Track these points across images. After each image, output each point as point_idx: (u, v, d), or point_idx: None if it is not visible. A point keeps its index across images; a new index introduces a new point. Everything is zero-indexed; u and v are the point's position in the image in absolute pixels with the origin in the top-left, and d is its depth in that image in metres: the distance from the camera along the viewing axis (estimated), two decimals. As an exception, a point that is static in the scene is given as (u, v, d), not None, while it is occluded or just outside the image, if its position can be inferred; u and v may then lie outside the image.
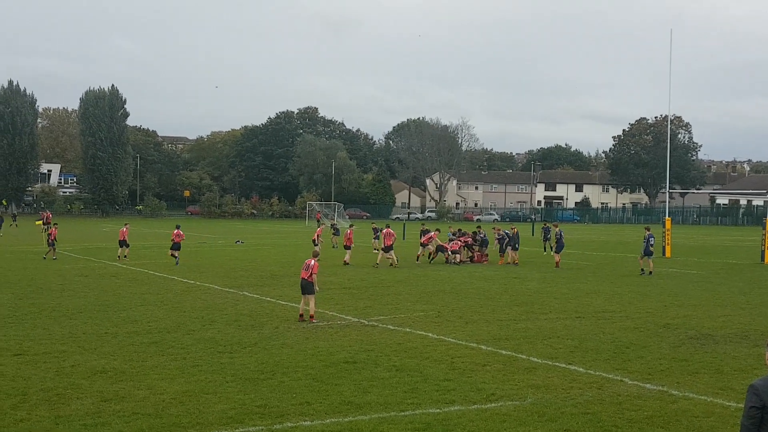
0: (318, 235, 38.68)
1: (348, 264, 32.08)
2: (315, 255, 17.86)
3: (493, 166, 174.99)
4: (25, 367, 12.23)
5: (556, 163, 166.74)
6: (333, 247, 42.95)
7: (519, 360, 13.27)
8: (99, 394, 10.60)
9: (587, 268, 32.73)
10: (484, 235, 35.89)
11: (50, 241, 34.28)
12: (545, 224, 37.35)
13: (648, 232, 30.52)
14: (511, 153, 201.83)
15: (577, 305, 20.49)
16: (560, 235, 33.34)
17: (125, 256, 33.78)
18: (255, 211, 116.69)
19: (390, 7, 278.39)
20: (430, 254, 34.83)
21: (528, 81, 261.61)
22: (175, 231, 32.39)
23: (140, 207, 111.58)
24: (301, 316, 17.35)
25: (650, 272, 29.34)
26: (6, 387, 10.93)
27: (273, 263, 33.01)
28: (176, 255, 31.51)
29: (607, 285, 25.73)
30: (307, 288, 17.13)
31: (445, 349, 14.11)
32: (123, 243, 33.74)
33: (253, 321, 17.18)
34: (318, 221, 74.34)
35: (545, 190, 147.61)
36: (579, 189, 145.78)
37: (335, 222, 68.31)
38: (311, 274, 17.12)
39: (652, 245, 29.95)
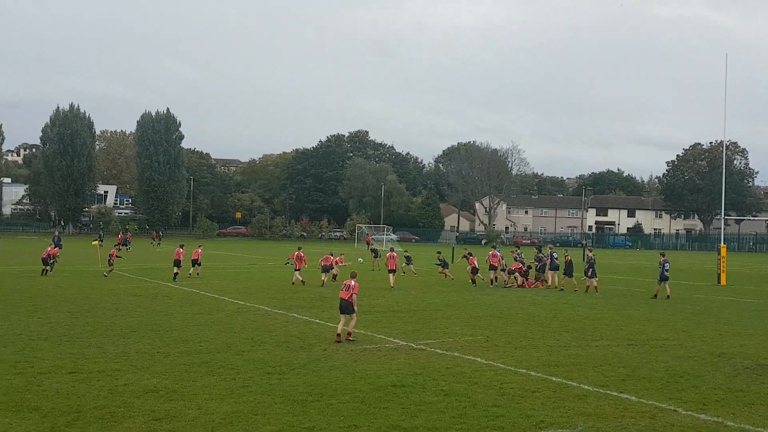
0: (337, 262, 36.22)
1: (393, 287, 32.11)
2: (353, 276, 18.19)
3: (543, 191, 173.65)
4: (79, 384, 12.47)
5: (607, 188, 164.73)
6: (372, 270, 42.79)
7: (569, 387, 13.09)
8: (150, 413, 10.75)
9: (639, 294, 32.19)
10: (549, 258, 34.99)
11: (110, 259, 36.16)
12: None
13: (663, 258, 30.77)
14: (562, 177, 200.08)
15: (629, 332, 20.15)
16: (592, 260, 32.89)
17: (197, 274, 35.98)
18: (305, 233, 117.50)
19: (439, 32, 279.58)
20: (495, 278, 34.66)
21: (579, 105, 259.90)
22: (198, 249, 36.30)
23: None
24: (339, 335, 17.59)
25: (667, 296, 29.69)
26: (61, 404, 11.15)
27: (322, 287, 33.13)
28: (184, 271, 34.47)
29: (659, 312, 25.26)
30: (347, 308, 17.49)
31: (494, 375, 14.00)
32: (177, 263, 34.45)
33: (302, 342, 17.27)
34: (368, 244, 74.47)
35: (596, 215, 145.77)
36: (631, 214, 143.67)
37: (373, 245, 68.31)
38: (352, 294, 17.51)
39: (667, 270, 30.34)
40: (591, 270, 32.44)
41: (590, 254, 34.06)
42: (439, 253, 40.03)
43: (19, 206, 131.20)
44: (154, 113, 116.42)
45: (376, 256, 45.38)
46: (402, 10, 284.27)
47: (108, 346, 16.27)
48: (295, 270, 33.71)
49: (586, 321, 22.44)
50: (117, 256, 37.29)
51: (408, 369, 14.37)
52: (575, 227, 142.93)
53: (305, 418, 10.70)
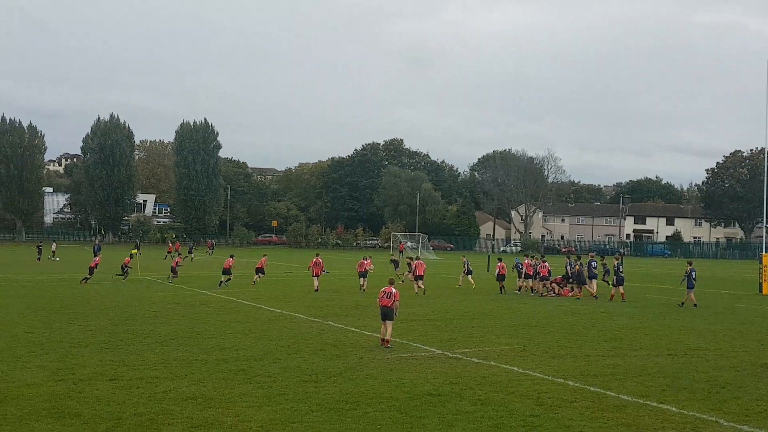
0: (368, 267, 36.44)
1: (418, 294, 32.79)
2: (392, 282, 18.75)
3: (580, 199, 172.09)
4: (119, 391, 12.63)
5: (645, 195, 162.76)
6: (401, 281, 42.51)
7: (608, 397, 12.95)
8: (189, 420, 10.85)
9: (678, 304, 31.71)
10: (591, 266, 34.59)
11: (173, 267, 38.85)
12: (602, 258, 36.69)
13: (690, 266, 30.91)
14: (599, 185, 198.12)
15: (669, 342, 19.88)
16: (617, 268, 32.54)
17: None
18: (340, 242, 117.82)
19: (473, 41, 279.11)
20: (532, 288, 34.46)
21: (616, 113, 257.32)
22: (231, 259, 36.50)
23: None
24: (383, 340, 18.15)
25: (694, 305, 29.74)
26: (101, 411, 11.31)
27: (357, 293, 33.21)
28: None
29: (700, 322, 24.88)
30: (388, 314, 17.96)
31: (531, 384, 13.90)
32: (227, 271, 35.49)
33: (337, 351, 17.31)
34: (401, 252, 74.39)
35: (635, 224, 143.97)
36: (670, 222, 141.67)
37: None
38: (393, 301, 17.97)
39: (694, 278, 30.56)
40: (616, 278, 32.20)
41: (616, 262, 33.59)
42: (463, 256, 40.32)
43: (61, 215, 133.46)
44: (192, 123, 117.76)
45: (396, 267, 44.86)
46: (435, 20, 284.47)
47: (147, 353, 16.47)
48: (314, 276, 34.52)
49: (624, 330, 22.19)
50: (179, 265, 39.76)
51: (444, 378, 14.34)
52: (613, 235, 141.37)
53: (341, 426, 10.73)
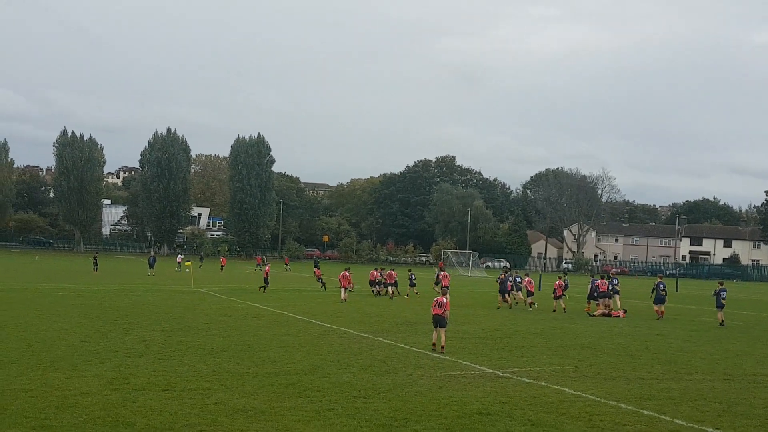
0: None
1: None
2: (444, 293, 21.32)
3: (634, 219, 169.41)
4: (172, 402, 12.81)
5: (702, 217, 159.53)
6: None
7: (662, 421, 12.69)
8: (239, 432, 10.95)
9: (737, 327, 30.96)
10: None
11: (265, 277, 41.06)
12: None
13: (720, 286, 31.70)
14: (654, 205, 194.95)
15: (726, 366, 19.41)
16: (660, 287, 33.08)
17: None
18: (390, 257, 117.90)
19: (525, 59, 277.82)
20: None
21: (672, 133, 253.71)
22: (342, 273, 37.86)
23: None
24: (434, 345, 19.89)
25: (720, 323, 30.58)
26: (154, 421, 11.48)
27: (407, 310, 33.17)
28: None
29: (759, 347, 24.24)
30: (440, 322, 19.74)
31: (583, 406, 13.70)
32: (319, 279, 40.29)
33: (387, 367, 17.29)
34: (440, 269, 74.13)
35: (690, 245, 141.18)
36: (727, 244, 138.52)
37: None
38: (444, 310, 19.75)
39: (724, 298, 31.25)
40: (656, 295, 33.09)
41: (659, 280, 33.85)
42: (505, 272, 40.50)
43: (118, 227, 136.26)
44: (246, 138, 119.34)
45: (412, 285, 43.90)
46: (488, 38, 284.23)
47: (199, 365, 16.67)
48: (342, 288, 36.83)
49: (679, 353, 21.74)
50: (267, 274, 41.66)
51: (494, 397, 14.22)
52: (668, 256, 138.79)
53: (390, 443, 10.70)
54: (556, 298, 35.17)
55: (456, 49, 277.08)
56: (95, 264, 58.71)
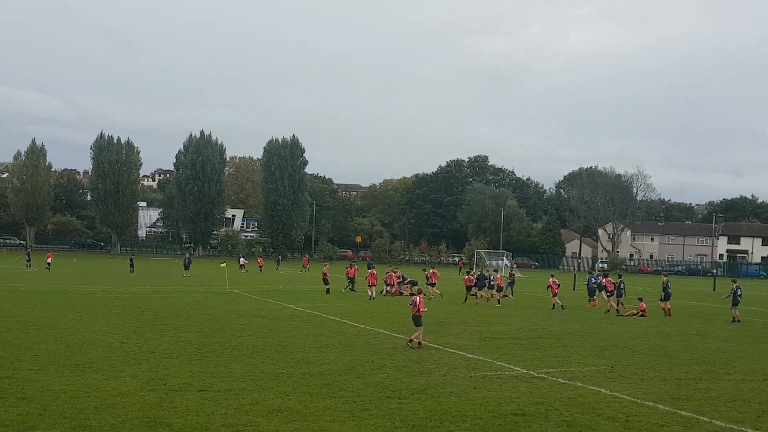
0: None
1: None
2: (419, 291, 22.24)
3: (670, 217, 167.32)
4: (208, 402, 12.93)
5: (740, 215, 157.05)
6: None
7: (701, 422, 12.52)
8: (275, 432, 11.01)
9: (776, 327, 30.47)
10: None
11: (324, 279, 40.81)
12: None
13: (735, 284, 32.28)
14: (690, 204, 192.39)
15: (765, 366, 19.10)
16: (667, 284, 34.37)
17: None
18: (423, 257, 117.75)
19: (558, 59, 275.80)
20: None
21: (708, 131, 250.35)
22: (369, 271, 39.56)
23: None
24: (410, 341, 20.53)
25: (738, 320, 31.15)
26: (191, 421, 11.59)
27: (440, 310, 33.10)
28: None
29: (799, 346, 23.80)
30: (417, 321, 20.51)
31: (619, 407, 13.56)
32: (351, 279, 41.40)
33: (420, 367, 17.28)
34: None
35: (728, 243, 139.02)
36: (766, 243, 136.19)
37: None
38: (418, 309, 20.46)
39: (739, 296, 31.92)
40: (664, 294, 34.14)
41: (665, 278, 35.49)
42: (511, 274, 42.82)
43: (153, 229, 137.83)
44: (279, 140, 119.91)
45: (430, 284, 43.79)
46: (520, 38, 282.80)
47: (235, 365, 16.80)
48: (369, 286, 38.42)
49: (717, 353, 21.44)
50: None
51: (529, 398, 14.14)
52: (705, 255, 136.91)
53: (425, 443, 10.69)
54: (554, 295, 36.23)
55: (487, 49, 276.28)
56: (131, 266, 59.46)
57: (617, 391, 15.02)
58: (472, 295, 37.84)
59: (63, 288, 39.70)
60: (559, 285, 37.13)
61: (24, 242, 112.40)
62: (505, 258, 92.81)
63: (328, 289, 40.49)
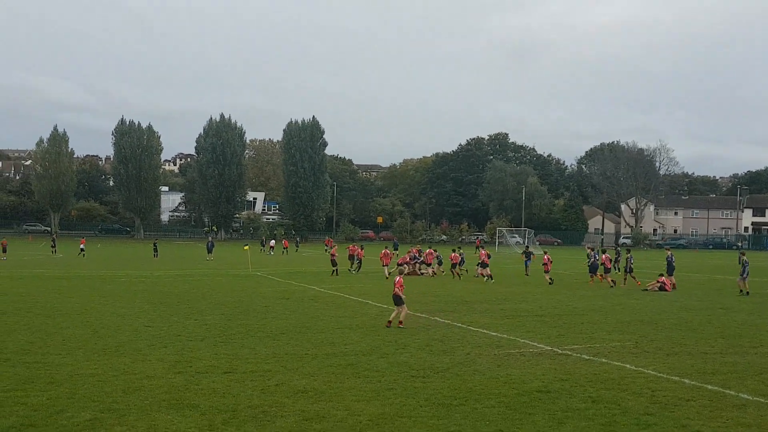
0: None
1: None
2: (401, 272, 22.73)
3: (694, 191, 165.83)
4: (234, 384, 13.03)
5: (765, 187, 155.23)
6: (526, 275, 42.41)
7: (727, 396, 12.45)
8: (301, 413, 11.09)
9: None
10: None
11: (332, 260, 41.46)
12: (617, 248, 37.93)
13: (744, 257, 33.00)
14: (714, 177, 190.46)
15: (793, 340, 18.94)
16: (671, 258, 34.69)
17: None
18: (445, 237, 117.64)
19: (578, 33, 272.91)
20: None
21: (733, 102, 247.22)
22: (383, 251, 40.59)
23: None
24: (389, 322, 20.45)
25: (747, 292, 31.30)
26: (217, 403, 11.69)
27: (463, 290, 33.12)
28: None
29: (827, 319, 23.57)
30: (396, 300, 20.46)
31: (645, 382, 13.52)
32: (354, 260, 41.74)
33: (444, 346, 17.30)
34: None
35: (753, 216, 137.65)
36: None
37: (528, 247, 66.94)
38: (396, 289, 20.51)
39: (747, 269, 32.26)
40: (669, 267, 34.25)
41: (668, 252, 35.75)
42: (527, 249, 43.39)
43: (176, 213, 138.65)
44: (299, 122, 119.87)
45: (440, 263, 43.68)
46: (540, 12, 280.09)
47: (260, 347, 16.91)
48: (383, 266, 39.38)
49: (743, 327, 21.28)
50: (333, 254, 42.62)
51: (553, 374, 14.12)
52: (729, 228, 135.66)
53: (450, 421, 10.73)
54: (546, 272, 36.98)
55: (507, 25, 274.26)
56: (155, 250, 59.92)
57: (642, 367, 14.96)
58: (457, 273, 39.58)
59: (89, 273, 40.12)
60: (552, 261, 38.09)
61: (49, 228, 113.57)
62: (517, 235, 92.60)
63: (335, 270, 40.54)
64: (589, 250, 38.67)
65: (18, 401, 11.57)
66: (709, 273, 47.55)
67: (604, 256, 36.69)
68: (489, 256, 39.76)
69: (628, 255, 36.41)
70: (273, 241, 78.28)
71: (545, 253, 39.14)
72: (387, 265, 39.31)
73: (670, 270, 34.07)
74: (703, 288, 34.27)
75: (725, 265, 60.26)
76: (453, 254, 40.29)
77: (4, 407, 11.18)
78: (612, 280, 35.29)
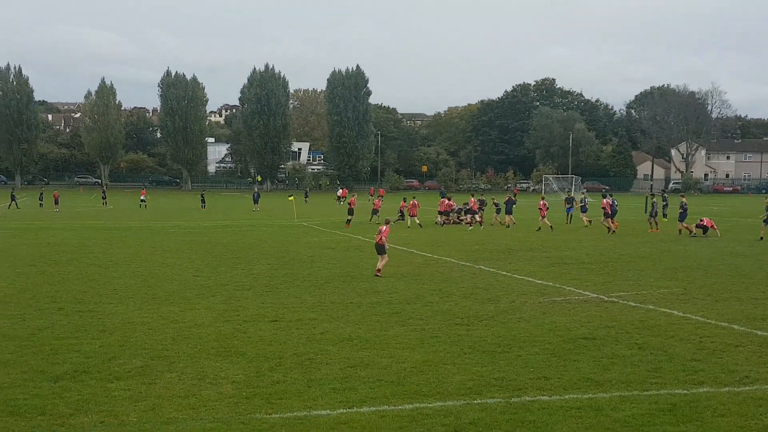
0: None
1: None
2: (387, 222, 22.54)
3: (747, 134, 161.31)
4: (280, 332, 13.23)
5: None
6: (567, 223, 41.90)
7: (777, 343, 12.26)
8: (346, 361, 11.22)
9: None
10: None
11: (350, 209, 41.39)
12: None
13: None
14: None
15: None
16: (684, 205, 34.47)
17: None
18: (490, 185, 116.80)
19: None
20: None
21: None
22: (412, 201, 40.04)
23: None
24: (379, 270, 20.46)
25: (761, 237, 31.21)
26: (264, 350, 11.89)
27: (508, 237, 32.96)
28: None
29: None
30: (379, 249, 20.74)
31: (693, 328, 13.37)
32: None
33: (489, 294, 17.30)
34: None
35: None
36: None
37: (570, 194, 66.06)
38: (381, 237, 20.72)
39: None
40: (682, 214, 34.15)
41: (683, 200, 35.47)
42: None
43: (222, 164, 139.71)
44: (343, 71, 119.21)
45: (570, 207, 43.41)
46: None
47: (305, 296, 17.11)
48: (411, 216, 39.25)
49: (796, 273, 20.85)
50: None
51: (599, 321, 14.04)
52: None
53: (494, 368, 10.76)
54: (542, 217, 36.96)
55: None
56: (203, 201, 60.64)
57: (690, 313, 14.80)
58: (467, 223, 39.49)
59: (138, 224, 40.84)
60: (548, 207, 38.00)
61: (99, 180, 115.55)
62: (554, 184, 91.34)
63: (349, 220, 40.15)
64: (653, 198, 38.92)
65: (72, 349, 11.91)
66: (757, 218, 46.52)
67: (604, 201, 37.11)
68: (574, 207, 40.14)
69: (654, 200, 37.44)
70: (340, 190, 78.73)
71: (542, 198, 39.79)
72: (414, 216, 39.28)
73: (682, 217, 34.00)
74: (755, 233, 33.56)
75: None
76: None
77: (59, 354, 11.53)
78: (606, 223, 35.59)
